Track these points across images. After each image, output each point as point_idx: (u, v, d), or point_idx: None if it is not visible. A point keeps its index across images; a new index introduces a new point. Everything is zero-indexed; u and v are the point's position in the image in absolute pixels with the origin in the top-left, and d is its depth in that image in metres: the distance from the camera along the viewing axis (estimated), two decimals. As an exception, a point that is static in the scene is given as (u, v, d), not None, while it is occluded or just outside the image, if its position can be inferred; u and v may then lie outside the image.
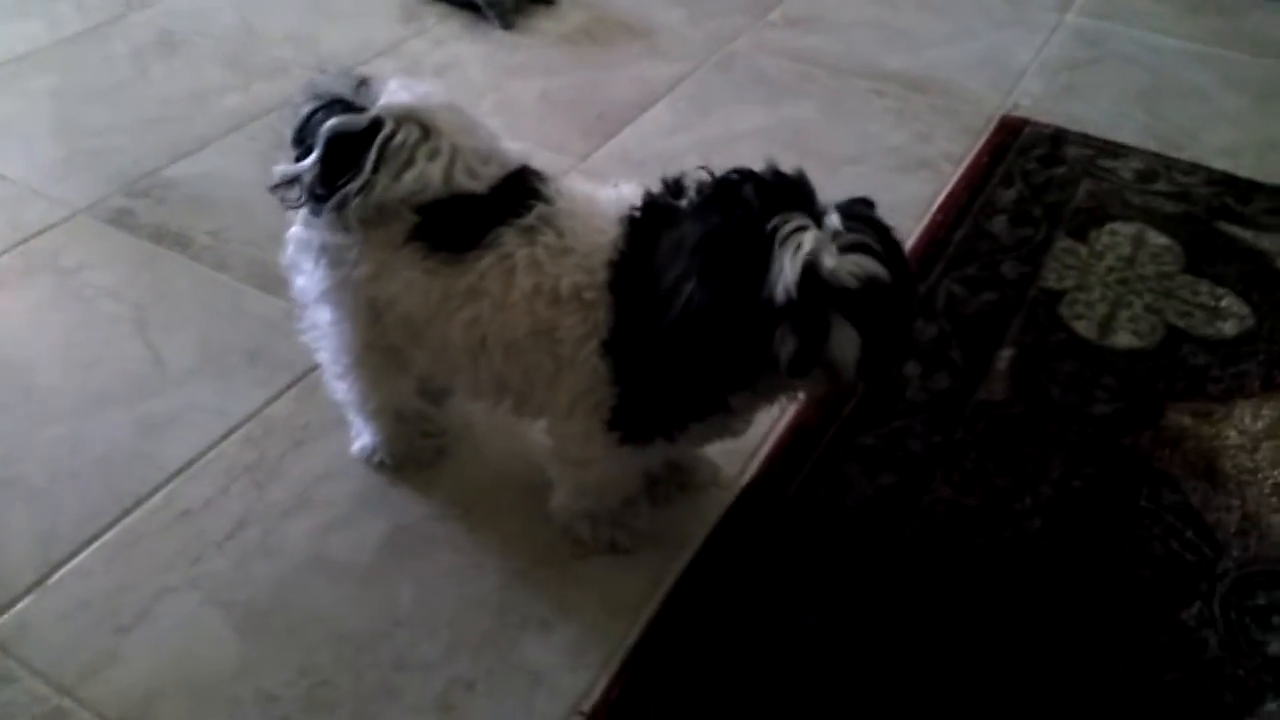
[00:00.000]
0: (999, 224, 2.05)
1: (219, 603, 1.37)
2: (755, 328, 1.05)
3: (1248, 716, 1.27)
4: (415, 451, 1.54)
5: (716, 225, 1.08)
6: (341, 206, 1.22)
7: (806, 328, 1.05)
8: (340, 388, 1.48)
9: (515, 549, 1.45)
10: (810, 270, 1.03)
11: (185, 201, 2.07)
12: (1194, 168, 2.21)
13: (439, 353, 1.34)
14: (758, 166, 1.13)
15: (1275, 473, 1.56)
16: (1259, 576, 1.42)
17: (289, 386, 1.67)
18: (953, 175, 2.19)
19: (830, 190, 1.12)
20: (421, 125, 1.21)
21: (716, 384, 1.15)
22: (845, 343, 1.07)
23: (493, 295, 1.23)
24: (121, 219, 2.02)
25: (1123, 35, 2.74)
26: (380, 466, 1.53)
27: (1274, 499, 1.52)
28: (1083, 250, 1.98)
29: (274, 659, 1.31)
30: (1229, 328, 1.81)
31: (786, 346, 1.05)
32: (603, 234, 1.20)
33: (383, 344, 1.38)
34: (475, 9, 2.73)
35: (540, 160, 1.31)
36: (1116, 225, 2.05)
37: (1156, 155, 2.25)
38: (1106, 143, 2.29)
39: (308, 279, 1.37)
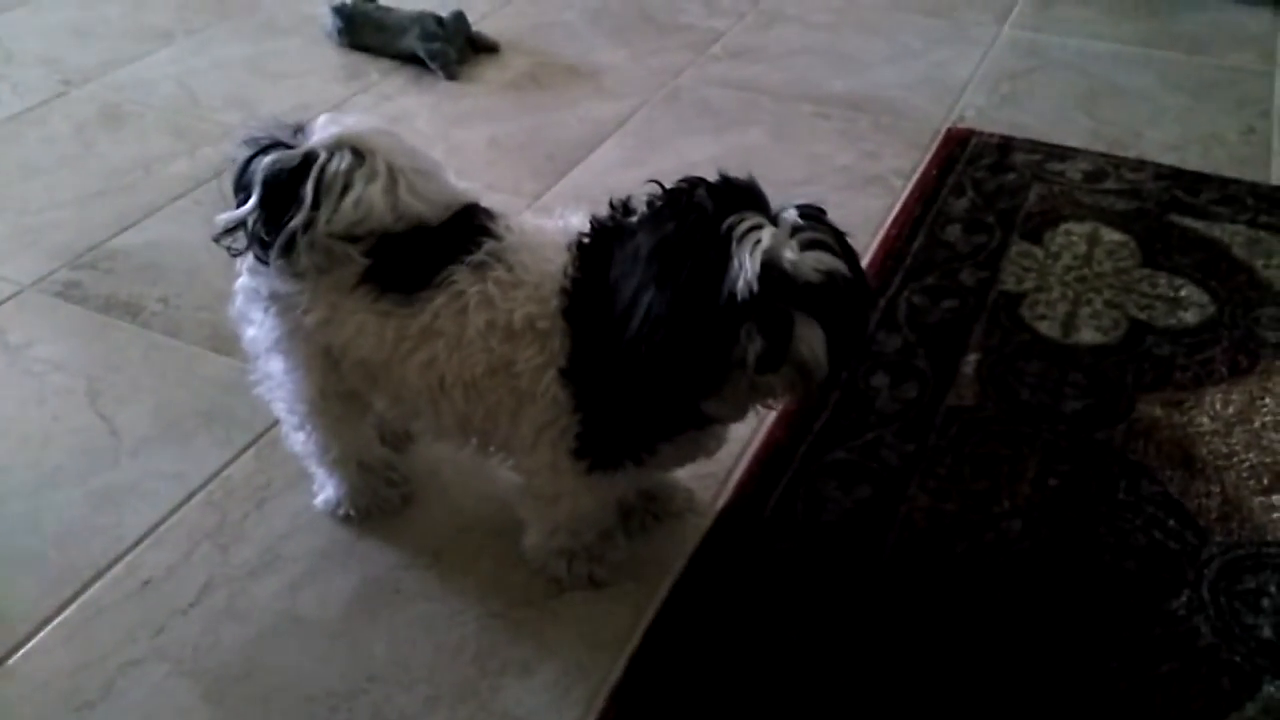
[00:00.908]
0: (954, 233, 2.05)
1: (186, 672, 1.32)
2: (718, 328, 1.04)
3: (1247, 701, 1.25)
4: (380, 501, 1.50)
5: (670, 231, 1.07)
6: (289, 247, 1.20)
7: (771, 325, 1.03)
8: (298, 439, 1.45)
9: (490, 592, 1.41)
10: (770, 265, 1.02)
11: (133, 270, 2.03)
12: (1141, 164, 2.24)
13: (398, 396, 1.32)
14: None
15: (1251, 456, 1.55)
16: (1245, 560, 1.41)
17: (248, 446, 1.63)
18: (904, 189, 2.20)
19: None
20: (354, 150, 1.19)
21: (684, 392, 1.12)
22: (812, 340, 1.06)
23: (447, 335, 1.21)
24: (69, 292, 1.98)
25: (1059, 44, 2.78)
26: (345, 519, 1.49)
27: (1252, 482, 1.51)
28: (1039, 252, 1.99)
29: (246, 726, 1.27)
30: (1191, 317, 1.82)
31: (754, 345, 1.04)
32: (551, 262, 1.19)
33: (339, 391, 1.36)
34: (419, 62, 2.73)
35: (492, 203, 1.30)
36: (1070, 225, 2.06)
37: (1103, 155, 2.28)
38: (1053, 147, 2.31)
39: (258, 329, 1.34)
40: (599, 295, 1.13)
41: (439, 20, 2.71)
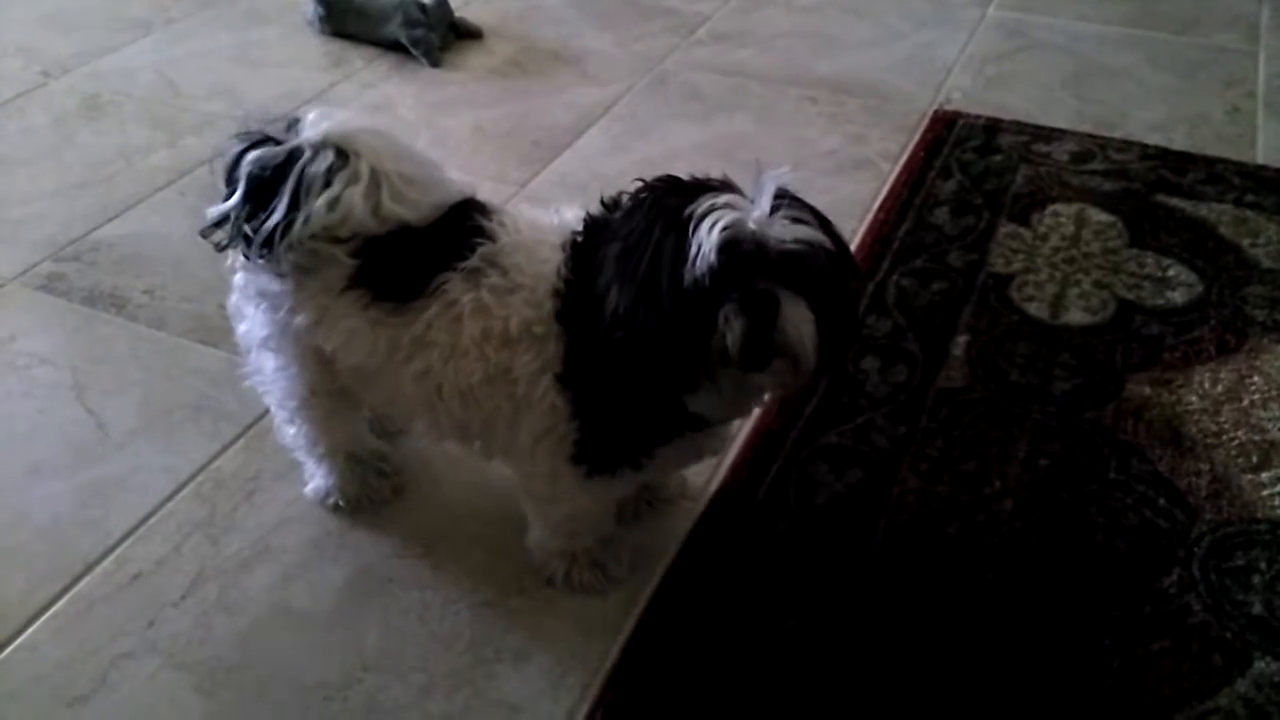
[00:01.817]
0: (941, 215, 2.05)
1: (179, 664, 1.32)
2: (688, 316, 1.00)
3: (1239, 677, 1.25)
4: (370, 491, 1.50)
5: (633, 226, 1.05)
6: (268, 245, 1.17)
7: (751, 303, 0.99)
8: (289, 432, 1.44)
9: (483, 581, 1.41)
10: (737, 240, 0.98)
11: (118, 262, 2.02)
12: (1127, 145, 2.24)
13: (393, 401, 1.30)
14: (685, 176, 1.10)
15: (1240, 434, 1.56)
16: (1235, 537, 1.41)
17: (237, 438, 1.62)
18: (891, 173, 2.20)
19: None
20: (338, 150, 1.16)
21: (666, 388, 1.08)
22: (799, 320, 1.01)
23: (441, 345, 1.18)
24: (53, 285, 1.96)
25: (1044, 25, 2.78)
26: (336, 509, 1.49)
27: (1241, 459, 1.52)
28: (1026, 234, 1.99)
29: (240, 717, 1.26)
30: (1178, 296, 1.82)
31: (735, 329, 0.99)
32: (546, 263, 1.15)
33: (330, 388, 1.35)
34: (402, 49, 2.71)
35: (481, 191, 1.28)
36: (1057, 207, 2.06)
37: (1090, 136, 2.28)
38: (1039, 128, 2.31)
39: (249, 324, 1.33)
40: (590, 296, 1.09)
41: (421, 6, 2.69)
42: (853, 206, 2.08)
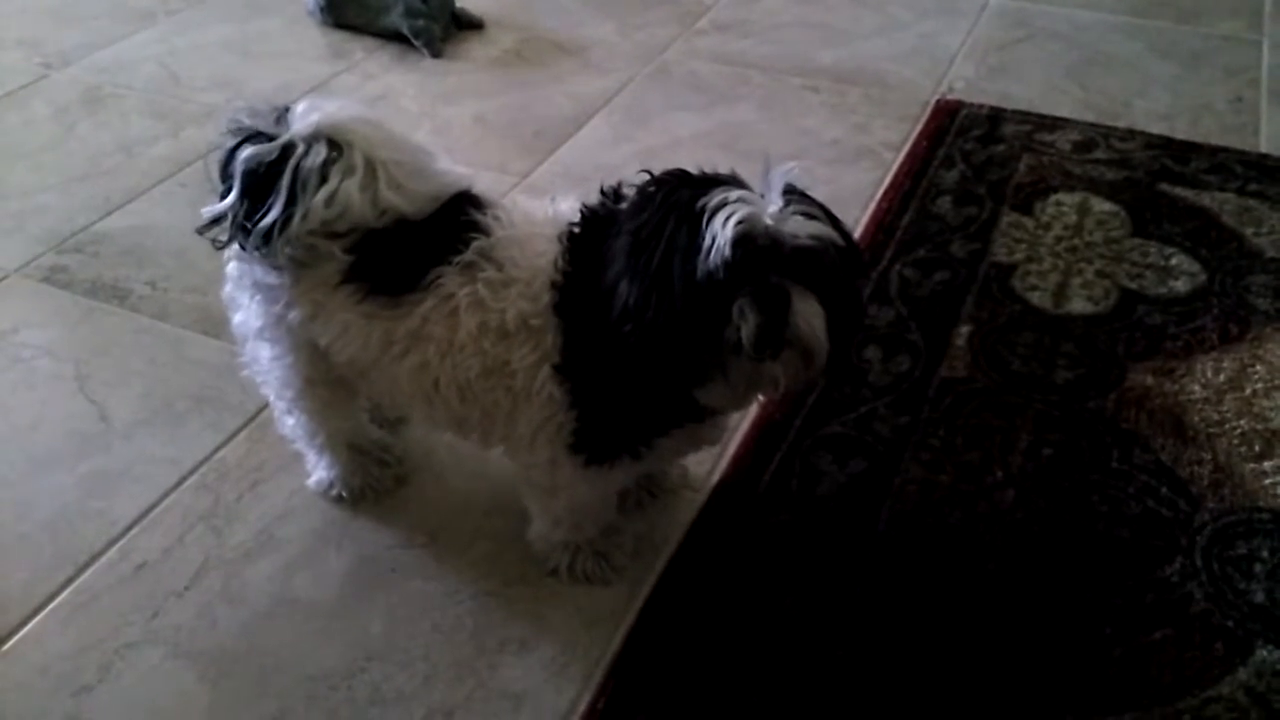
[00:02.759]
0: (944, 205, 2.04)
1: (183, 654, 1.32)
2: (700, 309, 1.00)
3: (1240, 666, 1.25)
4: (373, 481, 1.50)
5: (642, 220, 1.04)
6: (266, 241, 1.17)
7: (765, 298, 0.99)
8: (288, 422, 1.44)
9: (486, 571, 1.41)
10: (751, 235, 0.99)
11: (120, 253, 2.02)
12: (1130, 134, 2.23)
13: (390, 393, 1.30)
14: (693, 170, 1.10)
15: (1242, 423, 1.55)
16: (1237, 526, 1.41)
17: (240, 429, 1.62)
18: (894, 162, 2.19)
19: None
20: (331, 142, 1.15)
21: (677, 381, 1.08)
22: (810, 315, 1.02)
23: (438, 339, 1.18)
24: (55, 277, 1.96)
25: (1048, 13, 2.77)
26: (339, 500, 1.49)
27: (1243, 448, 1.52)
28: (1029, 223, 1.98)
29: (245, 707, 1.26)
30: (1181, 285, 1.82)
31: (748, 323, 1.00)
32: (542, 255, 1.15)
33: (327, 378, 1.35)
34: (403, 40, 2.70)
35: (481, 182, 1.27)
36: (1060, 196, 2.05)
37: (1093, 125, 2.28)
38: (1042, 117, 2.31)
39: (245, 314, 1.33)
40: (589, 288, 1.09)
41: (423, -3, 2.69)
42: (855, 196, 2.08)
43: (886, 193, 2.09)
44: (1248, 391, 1.60)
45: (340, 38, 2.80)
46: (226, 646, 1.33)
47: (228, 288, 1.35)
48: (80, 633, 1.35)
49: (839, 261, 1.04)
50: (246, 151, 1.16)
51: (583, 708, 1.24)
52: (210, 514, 1.49)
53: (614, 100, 2.46)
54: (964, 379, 1.65)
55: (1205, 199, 2.02)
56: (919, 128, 2.30)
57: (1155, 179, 2.08)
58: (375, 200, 1.17)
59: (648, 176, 1.12)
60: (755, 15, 2.84)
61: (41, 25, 2.92)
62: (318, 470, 1.49)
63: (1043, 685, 1.25)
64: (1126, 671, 1.25)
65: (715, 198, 1.00)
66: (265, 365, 1.37)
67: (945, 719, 1.23)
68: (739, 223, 0.98)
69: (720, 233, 0.98)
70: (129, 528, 1.48)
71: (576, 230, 1.15)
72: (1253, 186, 2.05)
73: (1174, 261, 1.87)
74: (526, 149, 2.29)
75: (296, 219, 1.15)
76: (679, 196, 1.04)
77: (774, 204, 1.01)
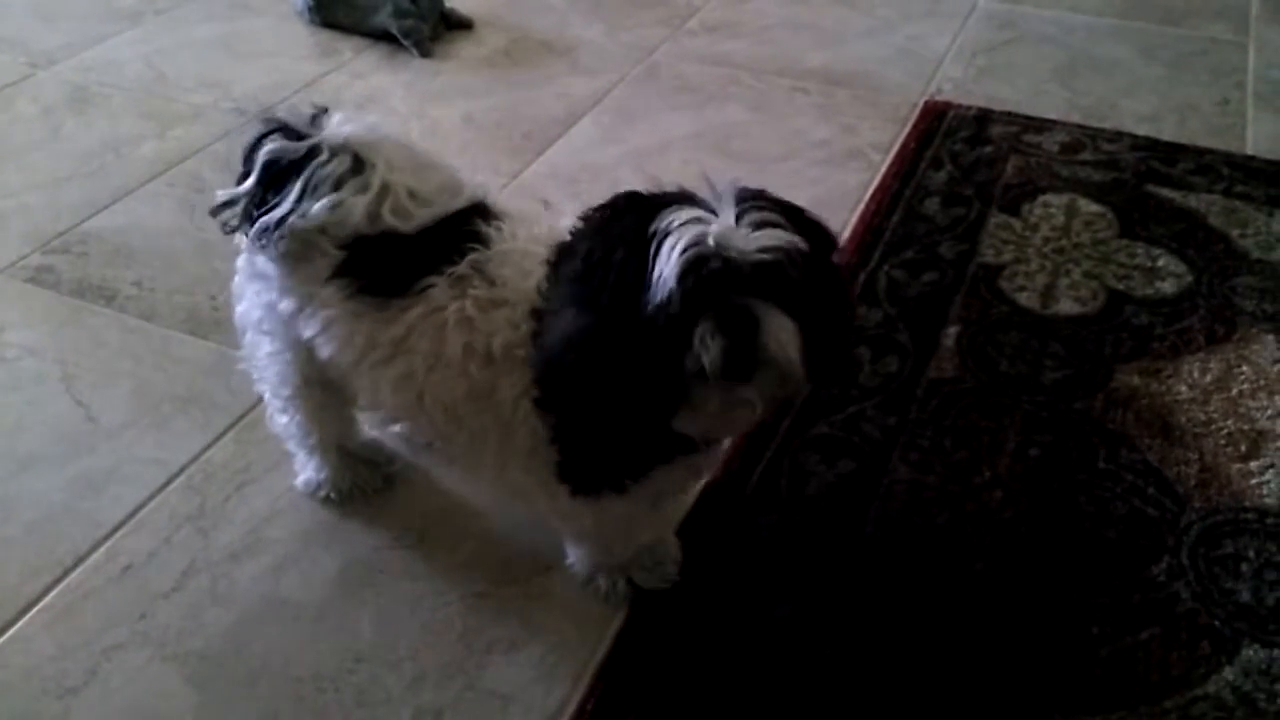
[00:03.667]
0: (932, 206, 2.05)
1: (170, 656, 1.31)
2: (653, 343, 0.94)
3: (1227, 665, 1.26)
4: (362, 482, 1.50)
5: (590, 248, 1.00)
6: (264, 233, 1.18)
7: (728, 320, 0.93)
8: (281, 421, 1.44)
9: (475, 572, 1.41)
10: (703, 257, 0.92)
11: (107, 254, 2.01)
12: (1118, 135, 2.24)
13: (376, 399, 1.28)
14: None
15: (1229, 423, 1.56)
16: (1224, 526, 1.42)
17: (227, 429, 1.62)
18: (882, 164, 2.20)
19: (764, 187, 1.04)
20: (356, 157, 1.16)
21: (640, 414, 1.02)
22: (779, 331, 0.95)
23: (424, 353, 1.16)
24: (41, 277, 1.95)
25: (1035, 16, 2.78)
26: (327, 500, 1.49)
27: (1230, 449, 1.52)
28: (1017, 224, 1.99)
29: (232, 709, 1.26)
30: (1168, 286, 1.83)
31: (710, 350, 0.93)
32: (530, 277, 1.11)
33: (322, 379, 1.34)
34: (392, 40, 2.70)
35: (482, 188, 1.25)
36: (1048, 197, 2.06)
37: (1080, 127, 2.29)
38: (1030, 119, 2.32)
39: (247, 304, 1.34)
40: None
41: (412, -3, 2.68)
42: (844, 197, 2.08)
43: (875, 194, 2.09)
44: (1234, 392, 1.61)
45: (328, 37, 2.79)
46: (214, 648, 1.32)
47: (237, 279, 1.35)
48: (67, 635, 1.34)
49: (804, 268, 0.97)
50: (270, 145, 1.17)
51: (572, 708, 1.24)
52: (198, 515, 1.49)
53: (603, 101, 2.46)
54: (952, 380, 1.66)
55: (1192, 200, 2.03)
56: (907, 129, 2.31)
57: (1142, 180, 2.09)
58: (374, 221, 1.17)
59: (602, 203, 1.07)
60: (744, 17, 2.85)
61: (27, 24, 2.90)
62: (306, 471, 1.49)
63: (1030, 684, 1.25)
64: (1113, 671, 1.26)
65: (662, 223, 0.95)
66: (264, 360, 1.37)
67: (933, 718, 1.23)
68: (685, 249, 0.92)
69: (666, 263, 0.92)
70: (116, 529, 1.47)
71: (553, 258, 1.10)
72: (1239, 188, 2.06)
73: (1161, 263, 1.88)
74: (515, 149, 2.29)
75: (293, 217, 1.16)
76: (624, 224, 0.99)
77: (727, 219, 0.95)
